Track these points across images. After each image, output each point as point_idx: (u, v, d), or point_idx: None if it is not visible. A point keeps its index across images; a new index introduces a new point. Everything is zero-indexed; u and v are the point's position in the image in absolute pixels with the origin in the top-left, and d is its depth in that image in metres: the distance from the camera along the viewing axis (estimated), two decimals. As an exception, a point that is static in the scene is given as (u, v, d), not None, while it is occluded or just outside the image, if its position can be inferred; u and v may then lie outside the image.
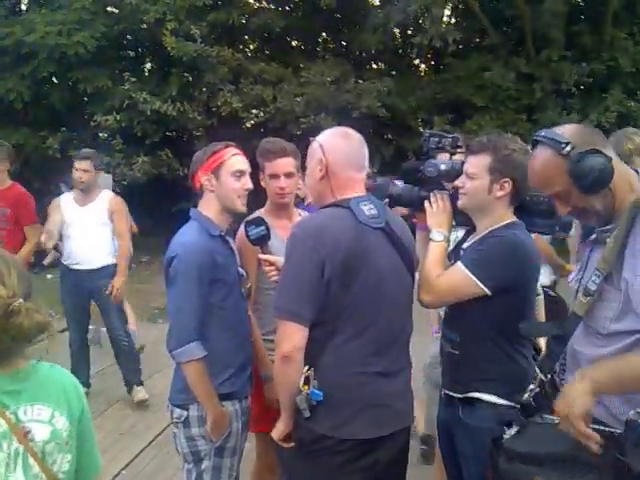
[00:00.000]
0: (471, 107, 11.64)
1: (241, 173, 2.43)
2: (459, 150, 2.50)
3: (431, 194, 2.42)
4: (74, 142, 12.26)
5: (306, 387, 1.99)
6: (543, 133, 1.83)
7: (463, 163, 2.36)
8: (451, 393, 2.37)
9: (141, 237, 12.00)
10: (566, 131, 1.81)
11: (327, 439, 2.02)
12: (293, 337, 1.98)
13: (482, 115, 11.40)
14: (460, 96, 11.80)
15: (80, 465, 1.53)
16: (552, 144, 1.77)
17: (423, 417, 3.83)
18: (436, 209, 2.39)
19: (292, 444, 2.12)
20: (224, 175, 2.40)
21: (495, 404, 2.25)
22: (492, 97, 11.63)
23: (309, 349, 2.00)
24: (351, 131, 2.20)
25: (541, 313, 3.39)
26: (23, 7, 13.02)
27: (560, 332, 1.84)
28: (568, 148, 1.73)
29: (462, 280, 2.22)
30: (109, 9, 12.30)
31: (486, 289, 2.19)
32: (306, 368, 2.00)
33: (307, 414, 2.00)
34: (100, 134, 12.16)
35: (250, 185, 2.46)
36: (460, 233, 2.59)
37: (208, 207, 2.46)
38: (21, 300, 1.38)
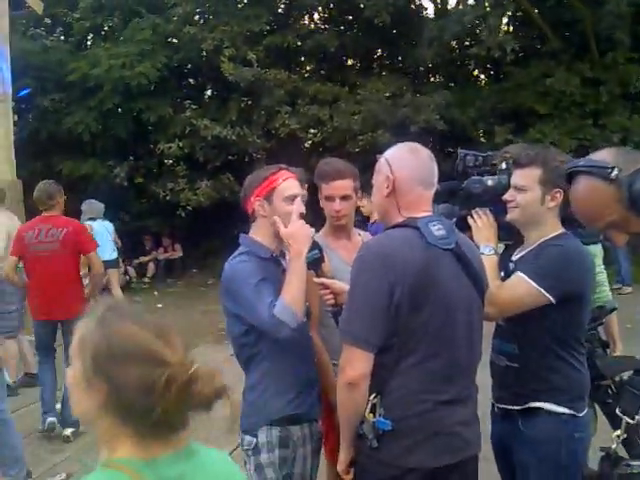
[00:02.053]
0: (534, 115, 11.34)
1: (294, 197, 2.40)
2: (496, 169, 2.56)
3: (473, 211, 2.50)
4: (140, 170, 12.67)
5: (371, 415, 1.92)
6: (582, 162, 1.72)
7: (509, 177, 2.39)
8: (508, 406, 2.36)
9: (207, 259, 12.33)
10: (605, 156, 1.69)
11: (393, 468, 1.93)
12: (358, 363, 1.91)
13: (546, 123, 11.08)
14: (522, 105, 11.52)
15: None
16: (596, 171, 1.65)
17: None
18: (482, 224, 2.47)
19: (351, 476, 2.05)
20: (276, 200, 2.37)
21: (557, 413, 2.25)
22: (556, 104, 11.30)
23: (376, 375, 1.93)
24: (420, 147, 2.13)
25: (615, 329, 3.27)
26: (88, 43, 13.56)
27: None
28: (615, 172, 1.61)
29: (526, 290, 2.24)
30: (169, 40, 12.68)
31: (551, 298, 2.21)
32: (373, 395, 1.93)
33: (375, 444, 1.92)
34: (165, 161, 12.51)
35: (303, 209, 2.42)
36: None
37: (260, 231, 2.44)
38: (197, 364, 1.20)
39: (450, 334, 1.96)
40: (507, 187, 2.38)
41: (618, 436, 1.69)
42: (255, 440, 2.36)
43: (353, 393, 1.93)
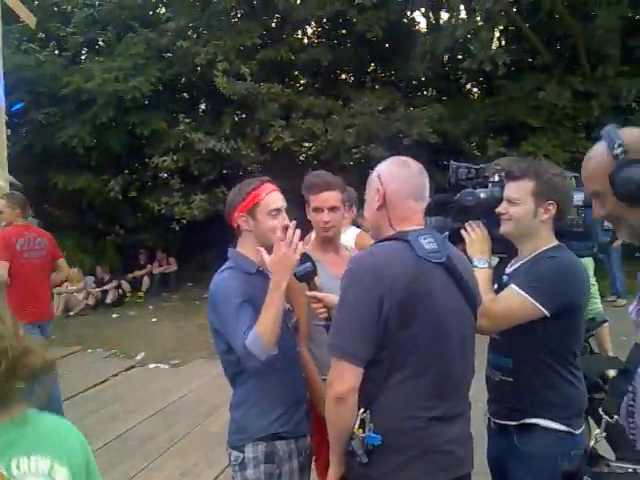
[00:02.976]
0: (526, 128, 11.42)
1: (277, 211, 2.39)
2: (488, 181, 2.54)
3: (466, 224, 2.49)
4: (135, 184, 12.65)
5: (360, 430, 1.89)
6: (608, 128, 1.70)
7: (502, 190, 2.38)
8: (504, 422, 2.33)
9: (201, 273, 12.30)
10: (627, 133, 1.66)
11: None
12: (347, 377, 1.89)
13: (539, 136, 11.15)
14: (514, 118, 11.61)
15: None
16: (608, 141, 1.64)
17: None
18: (475, 237, 2.46)
19: None
20: (260, 215, 2.37)
21: (554, 430, 2.22)
22: (548, 117, 11.38)
23: (365, 390, 1.91)
24: (410, 160, 2.12)
25: (607, 341, 3.25)
26: (82, 57, 13.59)
27: (622, 366, 1.68)
28: (619, 150, 1.60)
29: (520, 303, 2.21)
30: (162, 54, 12.72)
31: (545, 311, 2.18)
32: (362, 410, 1.91)
33: (365, 459, 1.89)
34: (159, 175, 12.50)
35: (287, 222, 2.40)
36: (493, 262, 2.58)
37: (246, 245, 2.44)
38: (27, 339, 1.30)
39: (441, 348, 1.94)
40: (500, 200, 2.37)
41: (597, 435, 1.68)
42: (242, 455, 2.35)
43: (341, 408, 1.91)
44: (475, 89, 14.42)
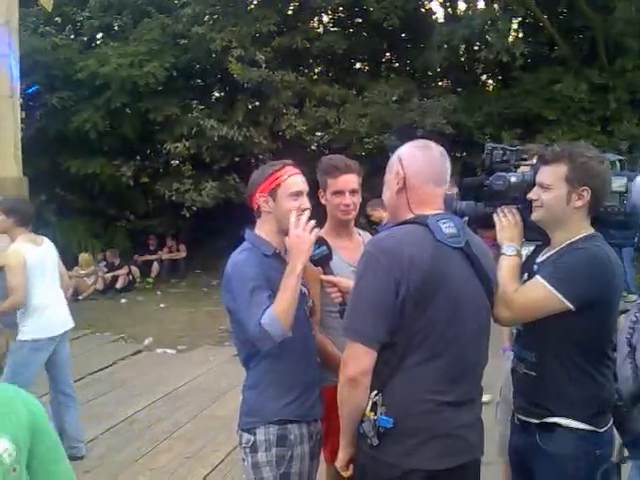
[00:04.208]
0: (542, 121, 11.31)
1: (299, 194, 2.38)
2: (523, 163, 2.43)
3: (499, 209, 2.37)
4: (147, 170, 12.68)
5: (372, 413, 1.90)
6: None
7: (534, 174, 2.25)
8: (527, 419, 2.25)
9: (212, 260, 12.34)
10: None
11: (393, 468, 1.90)
12: (361, 359, 1.89)
13: (553, 129, 11.04)
14: (530, 110, 11.49)
15: None
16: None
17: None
18: (506, 223, 2.35)
19: (350, 472, 2.04)
20: (281, 196, 2.36)
21: (576, 429, 2.12)
22: (564, 110, 11.27)
23: (378, 373, 1.91)
24: (432, 144, 2.11)
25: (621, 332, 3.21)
26: (97, 41, 13.60)
27: None
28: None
29: (543, 295, 2.10)
30: (177, 40, 12.70)
31: (570, 304, 2.07)
32: (374, 393, 1.91)
33: (375, 442, 1.90)
34: (171, 161, 12.52)
35: (308, 205, 2.40)
36: (527, 249, 2.47)
37: (264, 227, 2.43)
38: None
39: (456, 334, 1.93)
40: (532, 184, 2.24)
41: None
42: (253, 438, 2.35)
43: (354, 390, 1.91)
44: (490, 81, 14.29)
